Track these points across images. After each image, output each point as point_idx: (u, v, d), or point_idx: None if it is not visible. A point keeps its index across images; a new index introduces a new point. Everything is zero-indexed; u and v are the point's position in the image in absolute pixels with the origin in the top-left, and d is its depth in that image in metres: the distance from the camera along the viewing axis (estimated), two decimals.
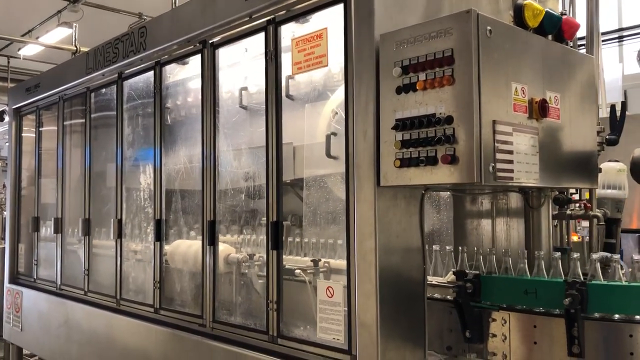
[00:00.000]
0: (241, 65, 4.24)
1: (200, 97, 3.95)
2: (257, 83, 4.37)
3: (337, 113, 3.86)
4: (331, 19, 3.15)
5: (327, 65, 3.19)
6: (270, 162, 3.39)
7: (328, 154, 3.76)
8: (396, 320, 2.75)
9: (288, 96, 3.98)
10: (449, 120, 2.41)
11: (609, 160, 3.65)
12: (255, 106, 4.37)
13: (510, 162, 2.48)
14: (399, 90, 2.61)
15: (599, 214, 3.18)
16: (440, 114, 2.45)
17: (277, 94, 3.39)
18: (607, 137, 3.22)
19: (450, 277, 2.89)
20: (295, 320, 3.41)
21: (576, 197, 3.50)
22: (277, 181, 3.35)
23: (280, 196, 3.35)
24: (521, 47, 2.63)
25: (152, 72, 4.39)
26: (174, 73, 4.49)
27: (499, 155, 2.43)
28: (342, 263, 3.44)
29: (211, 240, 3.77)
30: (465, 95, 2.38)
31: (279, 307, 3.28)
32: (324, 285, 3.05)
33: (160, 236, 4.25)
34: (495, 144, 2.42)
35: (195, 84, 4.40)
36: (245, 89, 4.38)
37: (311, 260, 3.44)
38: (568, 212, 3.26)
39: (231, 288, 4.00)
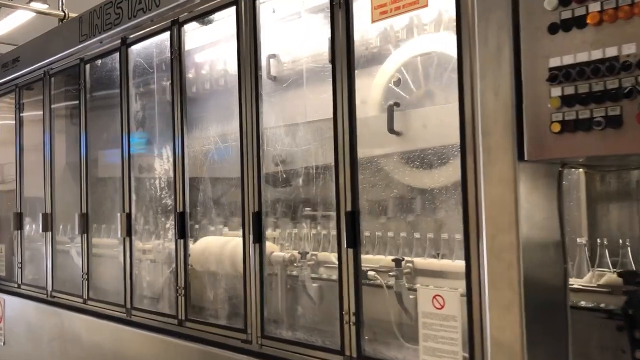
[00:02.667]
0: (266, 30, 3.50)
1: (236, 62, 3.19)
2: (289, 51, 3.66)
3: (399, 78, 3.16)
4: None
5: (426, 6, 2.47)
6: (340, 138, 2.66)
7: (391, 129, 3.06)
8: (539, 337, 2.08)
9: (331, 61, 3.28)
10: None
11: None
12: (287, 77, 3.66)
13: None
14: (553, 29, 1.91)
15: None
16: (629, 56, 1.75)
17: (350, 49, 2.66)
18: None
19: (606, 278, 2.22)
20: (372, 336, 2.72)
21: None
22: (351, 161, 2.63)
23: (356, 179, 2.64)
24: None
25: (167, 34, 3.61)
26: (193, 36, 3.71)
27: None
28: (432, 263, 2.77)
29: (257, 236, 3.03)
30: None
31: (359, 320, 2.58)
32: (429, 294, 2.35)
33: (184, 232, 3.49)
34: None
35: (224, 48, 3.64)
36: (273, 56, 3.65)
37: (393, 260, 2.74)
38: None
39: (275, 294, 3.28)
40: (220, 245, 3.43)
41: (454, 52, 2.90)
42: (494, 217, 2.07)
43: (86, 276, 4.40)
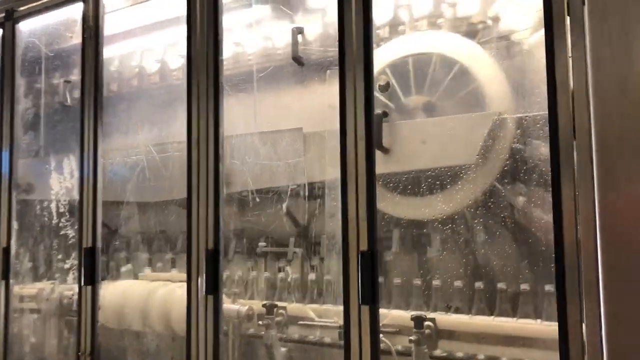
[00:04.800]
0: None
1: (185, 50, 2.37)
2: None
3: (388, 82, 2.51)
4: None
5: None
6: (351, 149, 1.94)
7: (379, 144, 2.38)
8: None
9: (295, 59, 2.60)
10: None
11: None
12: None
13: None
14: None
15: None
16: None
17: (368, 32, 1.96)
18: None
19: None
20: None
21: None
22: (367, 181, 1.90)
23: (373, 205, 1.90)
24: None
25: (79, 6, 2.68)
26: (118, 18, 2.80)
27: None
28: (462, 321, 2.07)
29: (212, 284, 2.17)
30: None
31: None
32: None
33: (93, 276, 2.52)
34: None
35: (168, 33, 2.78)
36: None
37: (412, 318, 2.01)
38: None
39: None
40: (145, 293, 2.51)
41: (457, 55, 2.38)
42: (621, 267, 1.42)
43: None
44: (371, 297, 1.82)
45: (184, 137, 2.29)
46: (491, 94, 2.31)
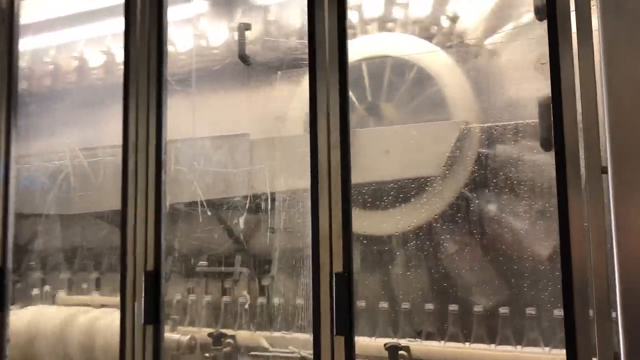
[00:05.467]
0: None
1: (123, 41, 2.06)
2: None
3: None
4: None
5: None
6: (324, 156, 1.71)
7: None
8: None
9: (242, 57, 2.39)
10: None
11: None
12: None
13: None
14: None
15: None
16: None
17: (343, 31, 1.75)
18: None
19: None
20: None
21: None
22: (343, 193, 1.68)
23: (349, 220, 1.68)
24: None
25: None
26: (38, 6, 2.43)
27: None
28: (440, 349, 1.88)
29: (153, 311, 1.86)
30: None
31: None
32: None
33: (2, 301, 2.12)
34: None
35: (103, 25, 2.44)
36: None
37: (387, 348, 1.79)
38: None
39: None
40: (61, 320, 2.14)
41: (415, 57, 2.24)
42: None
43: None
44: (347, 325, 1.59)
45: (119, 140, 1.97)
46: (458, 102, 2.18)
